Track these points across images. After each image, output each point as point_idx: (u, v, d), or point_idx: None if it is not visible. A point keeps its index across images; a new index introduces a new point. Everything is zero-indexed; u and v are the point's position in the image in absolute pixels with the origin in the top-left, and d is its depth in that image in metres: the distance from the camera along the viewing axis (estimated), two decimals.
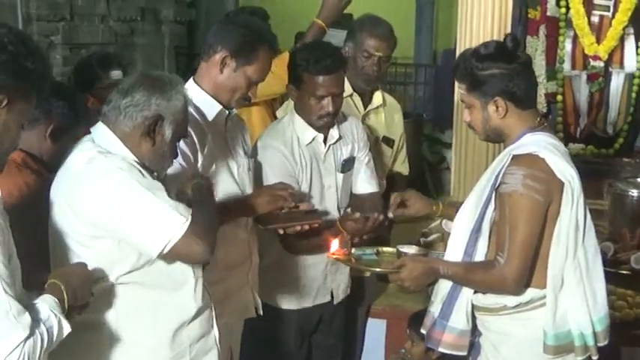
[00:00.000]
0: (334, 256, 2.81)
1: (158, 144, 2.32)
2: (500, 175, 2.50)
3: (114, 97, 2.33)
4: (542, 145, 2.52)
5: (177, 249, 2.20)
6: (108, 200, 2.20)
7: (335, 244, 2.80)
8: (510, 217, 2.46)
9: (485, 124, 2.60)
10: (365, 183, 3.37)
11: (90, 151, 2.27)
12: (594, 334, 2.56)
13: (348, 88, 3.47)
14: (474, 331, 2.69)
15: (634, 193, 4.41)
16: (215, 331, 2.51)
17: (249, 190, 2.92)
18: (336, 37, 13.60)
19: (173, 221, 2.20)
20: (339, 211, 3.24)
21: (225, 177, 2.84)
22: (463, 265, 2.59)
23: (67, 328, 1.96)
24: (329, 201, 3.20)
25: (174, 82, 2.37)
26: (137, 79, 2.34)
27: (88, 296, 2.11)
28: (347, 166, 3.29)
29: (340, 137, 3.26)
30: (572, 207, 2.49)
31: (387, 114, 3.70)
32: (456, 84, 2.72)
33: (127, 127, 2.29)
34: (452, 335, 2.64)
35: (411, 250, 2.83)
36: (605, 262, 4.20)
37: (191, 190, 2.43)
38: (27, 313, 1.84)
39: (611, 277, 4.00)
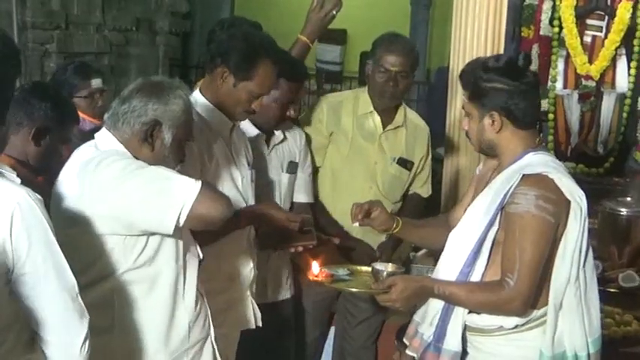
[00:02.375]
0: (317, 279, 2.71)
1: (157, 149, 2.33)
2: (509, 195, 2.46)
3: (114, 104, 2.35)
4: (551, 165, 2.50)
5: (195, 210, 2.17)
6: (116, 183, 2.19)
7: (315, 267, 2.71)
8: (520, 238, 2.41)
9: (480, 136, 2.58)
10: (302, 193, 3.44)
11: (95, 156, 2.28)
12: (588, 355, 2.54)
13: (368, 106, 3.50)
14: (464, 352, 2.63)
15: (623, 212, 4.42)
16: (211, 333, 2.51)
17: (251, 201, 2.93)
18: (331, 52, 13.60)
19: (184, 184, 2.18)
20: None
21: (228, 187, 2.83)
22: (463, 286, 2.52)
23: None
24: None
25: (173, 86, 2.37)
26: (136, 86, 2.35)
27: None
28: (290, 168, 3.36)
29: (285, 138, 3.34)
30: (580, 228, 2.46)
31: (409, 134, 3.62)
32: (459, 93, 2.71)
33: (126, 134, 2.30)
34: (446, 358, 2.56)
35: (387, 267, 2.70)
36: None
37: None
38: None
39: (599, 295, 4.04)
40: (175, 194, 2.17)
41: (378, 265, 2.72)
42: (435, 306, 2.59)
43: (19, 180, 1.87)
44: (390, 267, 2.69)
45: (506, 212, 2.46)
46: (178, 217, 2.17)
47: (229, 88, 2.73)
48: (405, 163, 3.58)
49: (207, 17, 9.03)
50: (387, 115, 3.59)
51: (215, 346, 2.51)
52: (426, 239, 3.00)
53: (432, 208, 4.28)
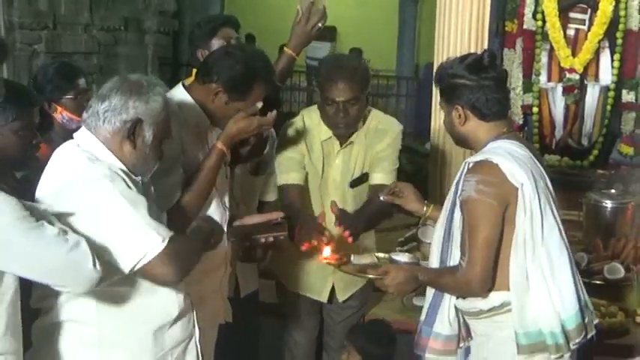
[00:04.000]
0: (326, 261, 2.91)
1: (139, 147, 2.27)
2: (460, 184, 2.56)
3: (93, 103, 2.28)
4: (499, 152, 2.54)
5: (149, 267, 2.15)
6: (89, 211, 2.15)
7: (327, 250, 2.90)
8: (468, 222, 2.51)
9: (451, 129, 2.69)
10: (270, 193, 3.44)
11: (79, 157, 2.23)
12: (564, 332, 2.55)
13: (328, 132, 3.35)
14: (468, 335, 2.70)
15: (608, 204, 4.39)
16: (196, 334, 2.47)
17: (225, 195, 2.89)
18: (321, 49, 13.60)
19: (150, 239, 2.16)
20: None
21: None
22: (434, 271, 2.66)
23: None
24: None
25: (152, 83, 2.32)
26: (114, 84, 2.28)
27: None
28: (259, 170, 3.34)
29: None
30: (526, 210, 2.50)
31: (368, 146, 3.40)
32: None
33: (107, 133, 2.25)
34: (438, 341, 2.64)
35: (403, 258, 2.87)
36: (579, 273, 4.22)
37: (195, 224, 2.50)
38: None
39: (585, 287, 4.02)
40: (137, 247, 2.15)
41: (397, 256, 2.89)
42: (430, 292, 2.68)
43: None
44: (406, 257, 2.85)
45: (459, 200, 2.56)
46: (134, 266, 2.16)
47: (221, 104, 2.70)
48: (359, 181, 3.46)
49: (197, 16, 8.98)
50: (346, 138, 3.40)
51: (198, 347, 2.47)
52: None
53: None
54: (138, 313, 2.29)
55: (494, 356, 2.60)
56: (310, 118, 3.40)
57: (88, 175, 2.18)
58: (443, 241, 2.64)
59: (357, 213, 3.27)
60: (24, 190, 2.29)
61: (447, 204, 2.65)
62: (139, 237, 2.15)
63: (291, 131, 3.39)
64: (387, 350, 3.07)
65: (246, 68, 2.68)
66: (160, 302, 2.33)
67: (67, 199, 2.17)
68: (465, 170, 2.55)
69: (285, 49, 3.46)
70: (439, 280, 2.62)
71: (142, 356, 2.31)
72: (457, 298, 2.62)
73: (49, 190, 2.22)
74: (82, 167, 2.20)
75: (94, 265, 2.01)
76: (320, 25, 3.43)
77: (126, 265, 2.15)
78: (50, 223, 2.00)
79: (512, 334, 2.53)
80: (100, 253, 2.10)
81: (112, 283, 2.20)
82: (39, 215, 2.00)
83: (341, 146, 3.36)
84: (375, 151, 3.40)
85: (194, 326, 2.45)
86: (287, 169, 3.36)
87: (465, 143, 2.70)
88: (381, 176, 3.41)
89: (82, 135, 2.28)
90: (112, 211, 2.15)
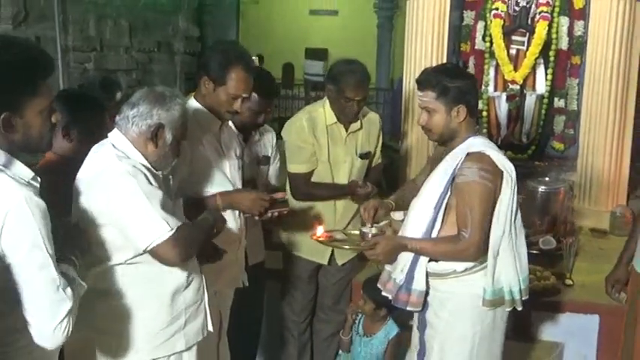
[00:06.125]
0: (319, 239, 2.75)
1: (160, 147, 2.23)
2: (457, 169, 2.51)
3: (124, 109, 2.25)
4: (488, 145, 2.57)
5: (156, 250, 2.14)
6: (115, 201, 2.12)
7: (320, 229, 2.75)
8: (470, 201, 2.48)
9: (446, 126, 2.57)
10: (273, 179, 3.39)
11: (109, 153, 2.19)
12: (520, 290, 2.60)
13: (333, 117, 3.32)
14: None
15: (543, 189, 4.41)
16: (205, 298, 2.42)
17: (239, 184, 2.84)
18: (315, 66, 13.45)
19: (160, 228, 2.13)
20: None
21: (217, 172, 2.74)
22: (430, 241, 2.56)
23: (85, 286, 1.91)
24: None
25: (173, 95, 2.28)
26: (142, 94, 2.25)
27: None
28: (263, 161, 3.28)
29: (259, 139, 3.26)
30: (510, 193, 2.52)
31: (365, 131, 3.44)
32: (418, 94, 2.61)
33: (134, 134, 2.21)
34: (414, 296, 2.60)
35: (372, 230, 2.71)
36: None
37: (203, 215, 2.41)
38: (69, 287, 1.77)
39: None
40: (149, 233, 2.12)
41: (364, 229, 2.72)
42: (405, 257, 2.60)
43: (24, 181, 1.74)
44: (373, 230, 2.69)
45: (456, 183, 2.51)
46: (147, 247, 2.14)
47: (211, 92, 2.64)
48: (366, 155, 3.46)
49: (216, 39, 8.93)
50: (349, 124, 3.44)
51: (207, 309, 2.42)
52: (406, 200, 2.89)
53: (392, 186, 4.24)
54: (155, 280, 2.25)
55: (459, 308, 2.59)
56: (315, 110, 3.39)
57: (115, 170, 2.14)
58: (432, 215, 2.55)
59: (367, 178, 3.43)
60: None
61: (439, 186, 2.55)
62: (151, 225, 2.13)
63: (298, 125, 3.35)
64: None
65: (222, 57, 2.63)
66: (172, 271, 2.27)
67: (97, 188, 2.14)
68: (463, 159, 2.51)
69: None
70: (435, 248, 2.56)
71: (160, 314, 2.26)
72: (429, 261, 2.57)
73: (85, 176, 2.18)
74: (111, 163, 2.16)
75: (59, 328, 1.75)
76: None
77: (140, 245, 2.15)
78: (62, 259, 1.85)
79: (477, 290, 2.55)
80: (123, 232, 2.11)
81: (133, 259, 2.18)
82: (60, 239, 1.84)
83: (347, 131, 3.36)
84: (373, 136, 3.49)
85: (204, 292, 2.40)
86: (293, 159, 3.36)
87: (450, 138, 2.60)
88: (376, 157, 3.57)
89: (114, 135, 2.24)
90: (131, 202, 2.11)
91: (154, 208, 2.13)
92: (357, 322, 3.35)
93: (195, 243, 2.27)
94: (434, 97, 2.54)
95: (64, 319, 1.74)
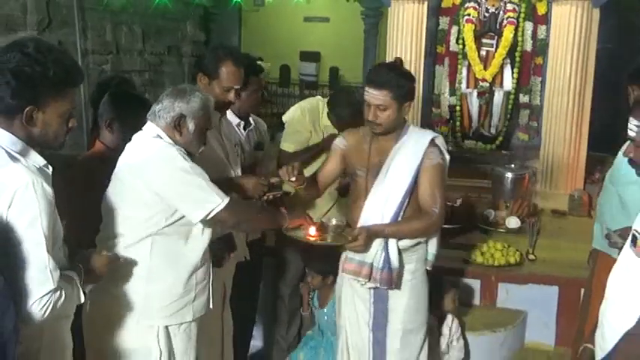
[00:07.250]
0: (312, 239, 2.48)
1: (185, 135, 2.23)
2: (424, 155, 2.51)
3: (154, 105, 2.26)
4: (428, 131, 2.65)
5: (218, 216, 2.19)
6: (170, 178, 2.14)
7: (312, 230, 2.50)
8: (437, 181, 2.51)
9: (394, 120, 2.50)
10: (267, 163, 3.31)
11: (156, 141, 2.20)
12: (434, 255, 2.71)
13: (326, 120, 3.37)
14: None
15: (509, 175, 4.41)
16: (211, 279, 2.40)
17: (238, 170, 2.79)
18: (309, 67, 13.31)
19: (215, 198, 2.17)
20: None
21: (219, 160, 2.70)
22: (403, 223, 2.53)
23: (82, 298, 1.83)
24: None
25: (193, 90, 2.28)
26: (167, 91, 2.28)
27: (99, 279, 1.97)
28: (257, 146, 3.20)
29: (255, 126, 3.16)
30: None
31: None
32: (372, 92, 2.47)
33: (162, 125, 2.22)
34: (393, 274, 2.54)
35: (331, 222, 2.53)
36: (488, 224, 4.20)
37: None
38: (59, 271, 1.70)
39: (491, 234, 3.98)
40: (207, 204, 2.17)
41: (326, 220, 2.57)
42: (376, 242, 2.53)
43: (36, 167, 1.70)
44: (333, 221, 2.54)
45: (424, 167, 2.51)
46: (205, 217, 2.17)
47: (206, 86, 2.59)
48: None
49: (218, 43, 8.85)
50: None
51: (211, 288, 2.39)
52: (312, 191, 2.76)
53: None
54: (178, 257, 2.24)
55: (414, 266, 2.63)
56: (311, 104, 3.43)
57: (165, 154, 2.18)
58: (401, 200, 2.51)
59: None
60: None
61: (405, 174, 2.51)
62: (206, 197, 2.17)
63: (298, 112, 3.40)
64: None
65: (213, 54, 2.62)
66: (193, 250, 2.26)
67: (150, 171, 2.16)
68: (427, 145, 2.52)
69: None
70: (411, 227, 2.53)
71: (175, 287, 2.25)
72: (400, 240, 2.54)
73: (133, 160, 2.19)
74: (159, 148, 2.19)
75: (37, 304, 1.65)
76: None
77: (195, 217, 2.18)
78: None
79: (421, 257, 2.64)
80: (176, 207, 2.16)
81: (164, 232, 2.18)
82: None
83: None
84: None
85: (210, 274, 2.39)
86: (287, 138, 3.40)
87: (393, 129, 2.55)
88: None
89: (149, 127, 2.25)
90: (185, 179, 2.15)
91: (206, 182, 2.17)
92: (312, 297, 3.34)
93: (247, 213, 2.38)
94: (391, 96, 2.45)
95: (43, 296, 1.64)
